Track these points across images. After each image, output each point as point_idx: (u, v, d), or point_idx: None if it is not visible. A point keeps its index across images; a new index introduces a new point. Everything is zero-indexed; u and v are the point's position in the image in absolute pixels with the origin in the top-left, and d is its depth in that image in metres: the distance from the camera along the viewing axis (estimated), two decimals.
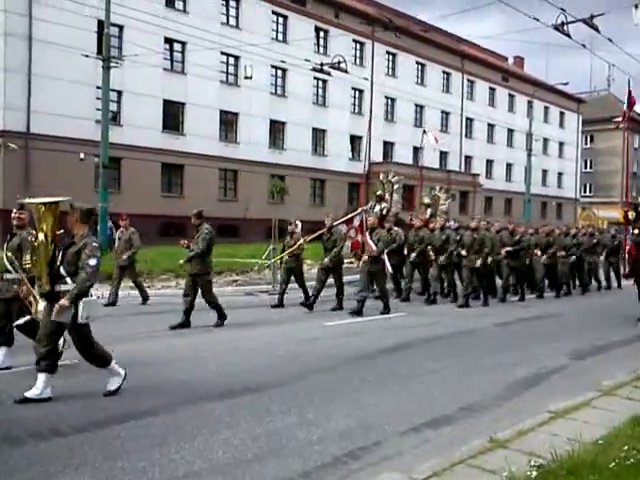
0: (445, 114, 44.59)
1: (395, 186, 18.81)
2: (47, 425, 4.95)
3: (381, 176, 20.30)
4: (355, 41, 37.68)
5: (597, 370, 7.27)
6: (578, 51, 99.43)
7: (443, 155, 44.66)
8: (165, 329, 9.33)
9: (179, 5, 29.90)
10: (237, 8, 32.16)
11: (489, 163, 48.74)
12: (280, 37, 33.88)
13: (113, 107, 25.46)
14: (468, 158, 46.76)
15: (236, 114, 32.15)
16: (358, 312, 11.11)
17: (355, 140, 38.42)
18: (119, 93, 26.80)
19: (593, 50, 18.05)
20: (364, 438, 4.82)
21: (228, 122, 32.25)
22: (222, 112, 31.67)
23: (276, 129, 34.29)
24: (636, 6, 12.17)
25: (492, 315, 11.85)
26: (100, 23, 23.77)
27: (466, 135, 46.32)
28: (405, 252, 13.62)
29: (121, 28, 26.72)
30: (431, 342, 9.00)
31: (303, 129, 35.11)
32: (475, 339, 9.43)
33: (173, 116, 29.87)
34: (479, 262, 12.77)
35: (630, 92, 16.93)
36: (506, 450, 4.36)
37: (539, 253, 14.88)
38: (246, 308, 12.17)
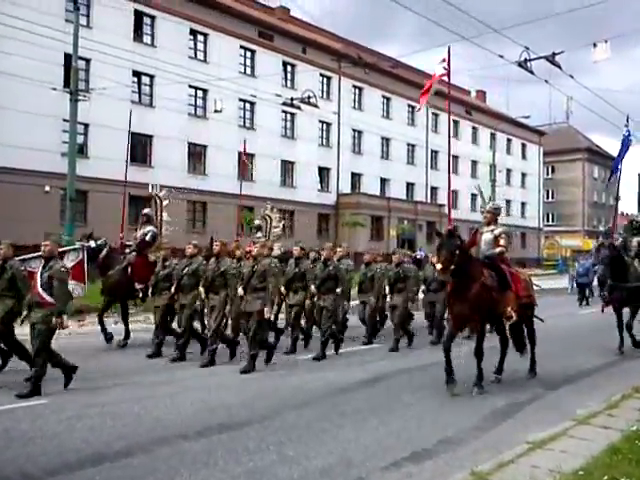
0: (411, 146, 45.37)
1: (164, 202, 14.10)
2: (17, 469, 4.76)
3: (150, 189, 15.28)
4: (322, 75, 38.24)
5: (570, 399, 7.36)
6: (537, 84, 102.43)
7: (410, 186, 45.34)
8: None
9: (147, 39, 30.06)
10: (205, 42, 32.45)
11: (454, 194, 49.51)
12: (248, 71, 34.21)
13: (80, 140, 25.17)
14: (434, 189, 47.50)
15: (204, 146, 32.17)
16: None
17: (323, 172, 38.76)
18: (86, 126, 26.57)
19: (552, 83, 18.45)
20: (346, 475, 4.76)
21: (196, 154, 32.26)
22: (190, 144, 31.70)
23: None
24: (595, 45, 12.75)
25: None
26: (67, 56, 23.66)
27: (432, 167, 47.12)
28: (201, 288, 9.71)
29: (88, 61, 26.61)
30: (404, 374, 8.95)
31: (272, 161, 35.29)
32: (443, 371, 9.35)
33: (141, 148, 29.75)
34: (258, 303, 8.89)
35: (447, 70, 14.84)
36: None
37: (387, 289, 11.51)
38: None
